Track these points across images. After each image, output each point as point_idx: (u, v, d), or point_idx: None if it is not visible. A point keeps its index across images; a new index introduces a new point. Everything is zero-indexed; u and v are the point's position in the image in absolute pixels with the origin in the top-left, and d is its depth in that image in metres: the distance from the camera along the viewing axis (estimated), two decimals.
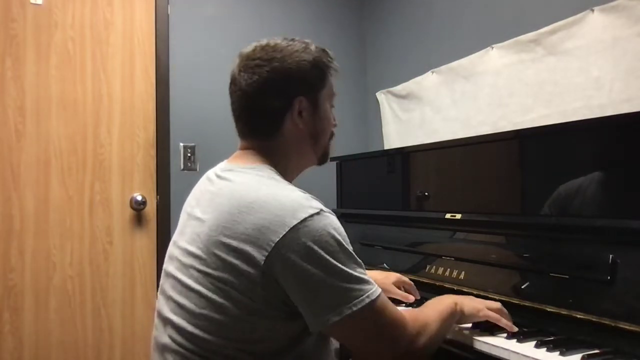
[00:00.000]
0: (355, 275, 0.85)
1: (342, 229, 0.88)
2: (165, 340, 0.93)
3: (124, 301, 2.25)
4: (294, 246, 0.82)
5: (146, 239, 2.31)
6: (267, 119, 1.00)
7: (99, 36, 2.25)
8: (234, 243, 0.85)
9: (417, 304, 1.36)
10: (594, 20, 1.61)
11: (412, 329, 0.91)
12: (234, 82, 1.07)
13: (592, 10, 1.61)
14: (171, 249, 1.01)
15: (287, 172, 1.02)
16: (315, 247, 0.83)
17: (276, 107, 0.98)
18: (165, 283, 0.99)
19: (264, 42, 1.04)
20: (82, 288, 2.18)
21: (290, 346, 0.90)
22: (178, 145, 2.38)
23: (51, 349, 2.11)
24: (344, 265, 0.84)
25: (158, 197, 2.32)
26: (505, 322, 1.07)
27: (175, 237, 1.02)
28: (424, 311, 1.00)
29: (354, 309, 0.83)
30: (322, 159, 1.11)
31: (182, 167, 2.38)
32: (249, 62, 1.03)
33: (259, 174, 0.94)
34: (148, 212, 2.31)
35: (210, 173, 1.04)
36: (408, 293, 1.36)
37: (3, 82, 2.08)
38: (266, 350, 0.88)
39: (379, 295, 0.86)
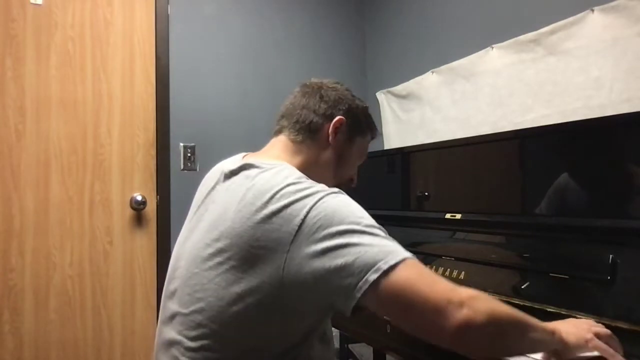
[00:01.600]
0: (383, 236, 0.83)
1: (359, 206, 0.89)
2: (173, 335, 0.92)
3: (124, 301, 2.25)
4: (316, 222, 0.81)
5: (146, 239, 2.31)
6: (309, 118, 1.06)
7: (99, 36, 2.25)
8: (258, 232, 0.84)
9: None
10: (594, 20, 1.61)
11: (467, 290, 0.78)
12: (308, 86, 1.15)
13: (592, 10, 1.61)
14: (181, 248, 1.00)
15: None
16: (338, 216, 0.82)
17: (321, 111, 1.06)
18: (174, 281, 0.98)
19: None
20: (82, 288, 2.18)
21: (297, 347, 0.89)
22: (178, 145, 2.39)
23: (51, 349, 2.11)
24: (369, 228, 0.83)
25: (158, 197, 2.32)
26: (610, 356, 0.86)
27: (185, 233, 1.02)
28: (507, 307, 0.83)
29: (391, 263, 0.77)
30: (338, 185, 1.09)
31: (182, 167, 2.38)
32: (327, 80, 1.17)
33: (277, 168, 0.95)
34: (148, 212, 2.31)
35: (226, 165, 1.03)
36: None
37: (3, 82, 2.08)
38: (276, 349, 0.88)
39: (413, 256, 0.81)
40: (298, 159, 1.03)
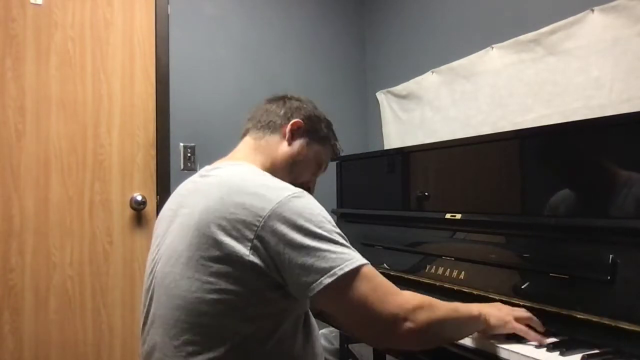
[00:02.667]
0: (343, 243, 0.89)
1: (324, 209, 0.94)
2: (155, 339, 0.95)
3: (124, 301, 2.25)
4: (281, 218, 0.87)
5: (146, 239, 2.31)
6: (273, 116, 1.15)
7: (99, 36, 2.25)
8: (224, 222, 0.89)
9: None
10: (594, 20, 1.61)
11: (410, 301, 0.89)
12: (272, 95, 1.24)
13: (592, 10, 1.61)
14: (152, 256, 1.05)
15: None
16: (303, 217, 0.88)
17: (281, 113, 1.15)
18: (153, 283, 1.01)
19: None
20: (82, 288, 2.18)
21: (274, 331, 0.92)
22: (178, 145, 2.39)
23: (51, 349, 2.11)
24: (330, 235, 0.88)
25: (158, 197, 2.32)
26: (534, 336, 0.99)
27: (156, 241, 1.06)
28: (435, 299, 0.95)
29: (346, 269, 0.85)
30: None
31: (182, 167, 2.38)
32: (283, 95, 1.23)
33: (244, 168, 1.04)
34: (148, 212, 2.31)
35: (193, 177, 1.11)
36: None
37: (3, 82, 2.08)
38: (259, 334, 0.90)
39: (369, 264, 0.89)
40: (260, 157, 1.11)
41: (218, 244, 0.88)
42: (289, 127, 1.13)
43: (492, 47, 1.99)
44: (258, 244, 0.87)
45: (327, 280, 0.84)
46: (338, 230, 0.91)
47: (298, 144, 1.14)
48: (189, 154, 2.40)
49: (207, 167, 1.10)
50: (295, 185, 1.05)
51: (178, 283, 0.92)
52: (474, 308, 1.01)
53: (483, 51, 2.03)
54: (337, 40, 2.82)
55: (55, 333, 2.12)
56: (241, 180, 0.96)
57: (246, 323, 0.90)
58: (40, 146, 2.13)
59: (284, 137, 1.13)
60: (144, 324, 1.03)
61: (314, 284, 0.84)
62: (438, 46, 2.33)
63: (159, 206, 2.32)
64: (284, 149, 1.13)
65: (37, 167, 2.13)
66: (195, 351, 0.89)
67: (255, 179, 0.97)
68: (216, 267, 0.88)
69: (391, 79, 2.63)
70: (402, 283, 1.51)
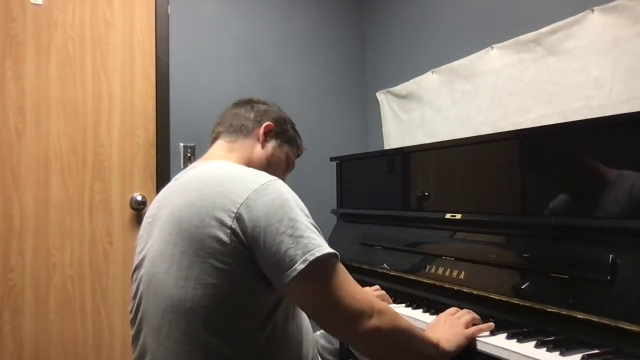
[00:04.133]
0: (313, 230, 0.91)
1: (297, 197, 0.96)
2: (146, 341, 0.96)
3: (124, 301, 2.25)
4: (258, 205, 0.89)
5: None
6: (244, 120, 1.21)
7: (99, 36, 2.25)
8: (203, 213, 0.91)
9: (417, 304, 1.36)
10: (594, 20, 1.61)
11: (378, 302, 0.92)
12: (239, 100, 1.29)
13: (592, 10, 1.61)
14: (136, 263, 1.05)
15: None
16: (277, 204, 0.90)
17: (252, 117, 1.21)
18: (139, 287, 1.01)
19: None
20: (82, 288, 2.18)
21: (265, 323, 0.93)
22: (178, 145, 2.38)
23: (51, 349, 2.11)
24: (303, 221, 0.90)
25: None
26: (486, 328, 1.09)
27: (138, 248, 1.06)
28: (402, 319, 0.98)
29: (317, 255, 0.86)
30: None
31: (182, 167, 2.38)
32: (249, 99, 1.29)
33: (221, 163, 1.08)
34: None
35: (169, 183, 1.12)
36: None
37: (3, 82, 2.08)
38: (244, 326, 0.91)
39: (336, 255, 0.91)
40: (234, 155, 1.15)
41: (200, 237, 0.90)
42: (261, 130, 1.19)
43: (492, 47, 1.99)
44: (237, 229, 0.88)
45: (300, 266, 0.85)
46: (311, 219, 0.94)
47: (271, 146, 1.20)
48: (189, 154, 2.40)
49: (182, 171, 1.12)
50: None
51: (164, 282, 0.93)
52: (430, 337, 1.02)
53: (483, 51, 2.03)
54: (337, 40, 2.82)
55: (55, 333, 2.12)
56: (218, 171, 1.00)
57: (234, 318, 0.90)
58: (40, 146, 2.13)
59: (257, 139, 1.19)
60: (133, 329, 1.03)
61: (289, 271, 0.86)
62: (438, 46, 2.33)
63: None
64: (258, 151, 1.18)
65: (37, 167, 2.13)
66: (185, 350, 0.89)
67: (232, 169, 1.01)
68: (199, 261, 0.89)
69: (391, 79, 2.63)
70: (402, 283, 1.51)
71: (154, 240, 1.00)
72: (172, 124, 2.37)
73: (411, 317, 1.27)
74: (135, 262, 1.06)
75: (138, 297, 1.02)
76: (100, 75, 2.25)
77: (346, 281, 0.90)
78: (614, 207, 1.12)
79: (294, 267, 0.85)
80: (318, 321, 0.92)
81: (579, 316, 1.01)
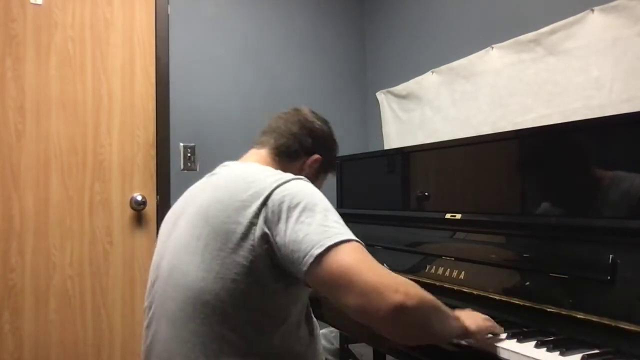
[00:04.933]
0: (335, 219, 0.91)
1: (322, 194, 0.97)
2: (160, 331, 0.97)
3: (124, 301, 2.25)
4: (280, 197, 0.91)
5: (146, 239, 2.31)
6: (296, 147, 1.18)
7: (99, 36, 2.25)
8: (230, 208, 0.93)
9: None
10: (594, 20, 1.61)
11: (401, 278, 0.85)
12: (298, 111, 1.25)
13: (592, 10, 1.61)
14: (158, 254, 1.06)
15: None
16: (299, 196, 0.91)
17: (305, 146, 1.19)
18: (159, 276, 1.02)
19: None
20: (82, 288, 2.18)
21: (279, 323, 0.93)
22: (178, 145, 2.38)
23: (51, 349, 2.11)
24: (325, 210, 0.91)
25: (158, 197, 2.32)
26: (493, 339, 1.03)
27: (161, 239, 1.08)
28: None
29: (335, 240, 0.85)
30: None
31: (182, 167, 2.38)
32: (319, 119, 1.26)
33: (254, 164, 1.09)
34: (148, 212, 2.31)
35: (202, 179, 1.13)
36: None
37: (3, 82, 2.08)
38: (258, 324, 0.92)
39: (359, 241, 0.89)
40: (272, 167, 1.12)
41: (225, 232, 0.91)
42: (309, 161, 1.19)
43: (492, 47, 1.99)
44: (261, 222, 0.90)
45: (316, 251, 0.84)
46: (334, 210, 0.94)
47: (310, 175, 1.19)
48: (189, 154, 2.40)
49: (214, 170, 1.13)
50: None
51: (185, 274, 0.94)
52: (453, 312, 0.97)
53: (483, 51, 2.03)
54: (338, 40, 2.82)
55: (55, 333, 2.12)
56: (248, 169, 1.03)
57: (250, 315, 0.91)
58: (40, 146, 2.13)
59: (301, 168, 1.18)
60: (148, 317, 1.04)
61: (306, 257, 0.85)
62: (438, 46, 2.33)
63: (159, 206, 2.32)
64: (297, 174, 1.13)
65: (37, 167, 2.13)
66: (200, 342, 0.90)
67: (262, 168, 1.03)
68: (222, 255, 0.90)
69: (391, 79, 2.63)
70: None
71: (179, 232, 1.01)
72: (172, 124, 2.37)
73: None
74: (157, 252, 1.08)
75: (155, 287, 1.03)
76: (100, 75, 2.25)
77: (364, 259, 0.85)
78: (613, 207, 1.12)
79: (310, 253, 0.85)
80: (339, 299, 0.85)
81: (579, 316, 1.01)
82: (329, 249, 0.84)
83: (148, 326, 1.03)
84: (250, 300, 0.91)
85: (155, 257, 1.08)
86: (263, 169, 1.04)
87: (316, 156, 1.19)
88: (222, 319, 0.90)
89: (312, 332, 1.04)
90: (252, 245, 0.89)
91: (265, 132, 1.21)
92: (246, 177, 0.98)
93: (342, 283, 0.83)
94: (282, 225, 0.89)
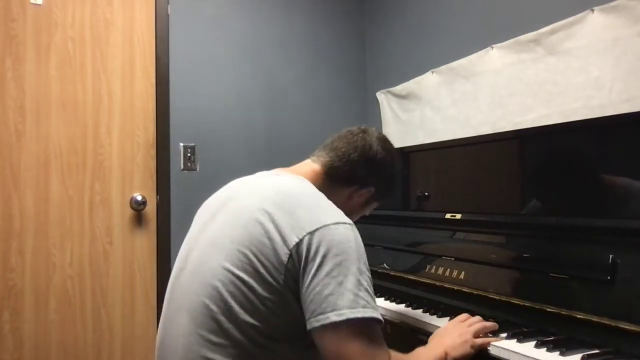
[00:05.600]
0: (367, 289, 0.88)
1: (364, 248, 0.93)
2: (180, 323, 0.95)
3: (124, 301, 2.25)
4: (323, 240, 0.88)
5: (146, 239, 2.31)
6: (349, 175, 1.13)
7: (99, 36, 2.25)
8: (271, 226, 0.91)
9: (417, 304, 1.36)
10: (594, 20, 1.61)
11: None
12: (365, 133, 1.17)
13: (592, 10, 1.61)
14: (190, 243, 1.05)
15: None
16: (340, 248, 0.88)
17: (359, 176, 1.13)
18: (183, 271, 1.01)
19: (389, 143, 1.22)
20: (82, 288, 2.18)
21: (295, 341, 0.92)
22: (178, 145, 2.38)
23: (51, 349, 2.11)
24: (361, 275, 0.88)
25: (158, 197, 2.32)
26: (493, 338, 1.06)
27: (196, 227, 1.07)
28: (421, 356, 0.99)
29: (357, 315, 0.84)
30: None
31: (182, 167, 2.38)
32: (383, 145, 1.17)
33: (304, 183, 1.05)
34: (148, 212, 2.31)
35: (248, 176, 1.12)
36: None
37: (3, 82, 2.08)
38: (275, 338, 0.91)
39: (379, 320, 0.88)
40: (320, 187, 1.07)
41: (260, 247, 0.90)
42: (361, 192, 1.15)
43: (492, 47, 1.99)
44: (295, 255, 0.88)
45: (334, 317, 0.83)
46: (369, 274, 0.91)
47: (359, 204, 1.17)
48: (189, 154, 2.40)
49: (265, 172, 1.12)
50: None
51: (215, 272, 0.93)
52: (439, 349, 1.01)
53: (483, 51, 2.03)
54: (337, 41, 2.82)
55: (55, 333, 2.12)
56: (298, 192, 0.99)
57: (268, 328, 0.90)
58: (40, 146, 2.13)
59: (350, 196, 1.14)
60: (167, 307, 1.02)
61: (321, 316, 0.84)
62: (438, 46, 2.33)
63: (159, 206, 2.32)
64: (343, 201, 1.12)
65: (37, 167, 2.13)
66: (217, 342, 0.90)
67: (313, 194, 1.00)
68: (251, 263, 0.90)
69: (391, 79, 2.63)
70: (402, 283, 1.51)
71: (215, 228, 1.00)
72: (172, 124, 2.37)
73: (411, 317, 1.27)
74: (190, 241, 1.06)
75: (182, 277, 1.01)
76: (100, 75, 2.25)
77: (375, 350, 0.87)
78: (613, 207, 1.12)
79: (327, 315, 0.84)
80: None
81: (579, 316, 1.01)
82: (347, 322, 0.84)
83: (167, 315, 1.02)
84: (272, 315, 0.90)
85: (184, 247, 1.07)
86: (314, 194, 1.00)
87: (369, 189, 1.15)
88: (240, 328, 0.90)
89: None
90: (284, 270, 0.89)
91: (325, 146, 1.17)
92: (295, 199, 0.96)
93: (337, 358, 0.86)
94: (312, 270, 0.87)
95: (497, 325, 1.09)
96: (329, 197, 1.05)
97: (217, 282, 0.92)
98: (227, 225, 0.98)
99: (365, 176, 1.14)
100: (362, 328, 0.85)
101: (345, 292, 0.85)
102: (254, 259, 0.90)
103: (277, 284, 0.89)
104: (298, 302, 0.90)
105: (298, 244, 0.88)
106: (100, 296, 2.21)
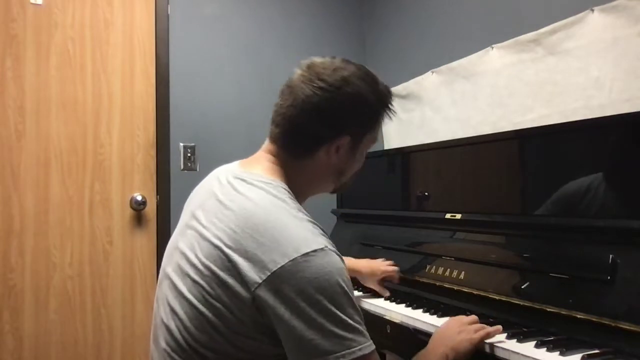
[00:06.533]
0: (351, 324, 0.79)
1: (344, 271, 0.83)
2: (161, 343, 0.92)
3: (124, 301, 2.25)
4: (291, 279, 0.77)
5: (146, 239, 2.31)
6: (306, 141, 0.94)
7: (99, 36, 2.25)
8: (232, 258, 0.81)
9: (417, 304, 1.36)
10: (594, 20, 1.61)
11: None
12: (291, 87, 0.97)
13: (592, 10, 1.61)
14: (170, 249, 0.99)
15: (301, 194, 0.97)
16: (313, 285, 0.77)
17: (320, 134, 0.93)
18: (162, 283, 0.97)
19: (337, 62, 0.97)
20: (82, 288, 2.18)
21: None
22: (178, 145, 2.38)
23: (51, 349, 2.11)
24: (341, 311, 0.79)
25: (158, 197, 2.32)
26: (494, 331, 1.03)
27: (175, 236, 1.00)
28: None
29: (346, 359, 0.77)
30: (338, 190, 1.08)
31: (182, 167, 2.38)
32: (316, 80, 0.94)
33: (272, 193, 0.88)
34: (148, 212, 2.31)
35: (222, 175, 0.97)
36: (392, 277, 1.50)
37: (3, 82, 2.08)
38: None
39: (372, 352, 0.81)
40: (294, 177, 0.95)
41: (221, 282, 0.82)
42: (332, 149, 0.94)
43: (492, 47, 1.99)
44: (258, 298, 0.79)
45: None
46: (353, 303, 0.81)
47: (343, 157, 0.96)
48: (189, 154, 2.40)
49: (235, 171, 0.96)
50: (354, 173, 1.01)
51: (181, 301, 0.88)
52: (438, 350, 0.98)
53: (483, 51, 2.03)
54: (337, 40, 2.82)
55: (55, 333, 2.12)
56: (260, 219, 0.83)
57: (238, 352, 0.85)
58: (40, 146, 2.13)
59: (328, 155, 0.94)
60: (155, 320, 0.98)
61: None
62: (438, 46, 2.33)
63: (159, 206, 2.32)
64: (325, 169, 0.97)
65: (37, 167, 2.13)
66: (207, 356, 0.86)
67: (277, 219, 0.84)
68: (216, 305, 0.83)
69: (391, 79, 2.62)
70: (402, 283, 1.51)
71: (181, 251, 0.93)
72: (172, 124, 2.37)
73: (411, 317, 1.27)
74: (168, 250, 1.00)
75: (162, 298, 0.95)
76: (100, 75, 2.25)
77: None
78: (614, 207, 1.12)
79: None
80: None
81: (579, 316, 1.01)
82: None
83: (154, 327, 0.98)
84: (255, 353, 0.85)
85: (166, 254, 1.01)
86: (277, 214, 0.84)
87: (342, 140, 0.93)
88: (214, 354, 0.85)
89: None
90: (246, 312, 0.80)
91: (275, 125, 0.97)
92: (260, 225, 0.82)
93: None
94: (285, 315, 0.78)
95: (501, 328, 1.06)
96: (305, 176, 0.95)
97: (179, 309, 0.87)
98: (190, 254, 0.89)
99: (335, 125, 0.92)
100: None
101: (328, 335, 0.77)
102: (213, 299, 0.82)
103: (238, 322, 0.82)
104: (269, 340, 0.83)
105: (261, 286, 0.78)
106: (100, 296, 2.21)
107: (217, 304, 0.82)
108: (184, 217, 1.00)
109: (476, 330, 1.03)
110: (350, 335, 0.79)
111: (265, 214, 0.84)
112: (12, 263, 2.07)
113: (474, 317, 1.09)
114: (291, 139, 0.94)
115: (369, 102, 0.96)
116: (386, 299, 1.47)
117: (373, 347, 0.82)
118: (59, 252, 2.15)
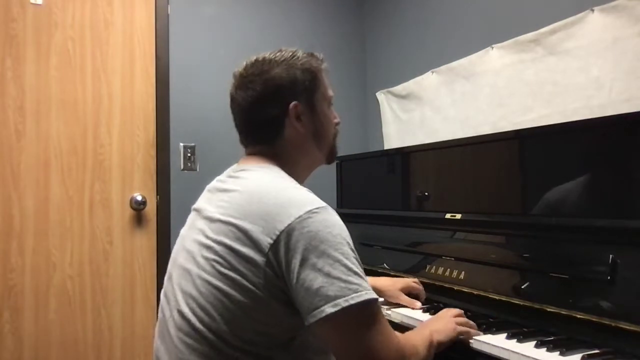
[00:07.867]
0: (356, 271, 0.85)
1: (344, 227, 0.91)
2: (172, 332, 0.93)
3: (124, 301, 2.25)
4: (298, 235, 0.84)
5: (146, 239, 2.31)
6: (268, 127, 1.05)
7: (99, 36, 2.25)
8: (242, 227, 0.87)
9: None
10: (594, 20, 1.61)
11: (403, 345, 0.89)
12: (232, 100, 1.14)
13: (592, 10, 1.61)
14: (179, 243, 1.04)
15: (296, 173, 1.04)
16: (319, 237, 0.85)
17: (273, 115, 1.04)
18: (172, 275, 1.00)
19: (253, 58, 1.14)
20: (82, 288, 2.18)
21: (288, 343, 0.91)
22: (178, 145, 2.38)
23: (51, 349, 2.11)
24: (346, 258, 0.85)
25: (158, 197, 2.32)
26: (474, 333, 1.08)
27: (184, 231, 1.05)
28: (411, 336, 0.99)
29: (351, 302, 0.82)
30: (330, 157, 1.14)
31: (182, 167, 2.38)
32: (242, 80, 1.12)
33: (269, 172, 0.99)
34: (148, 212, 2.31)
35: (220, 176, 1.08)
36: (415, 299, 1.37)
37: (3, 82, 2.08)
38: (265, 344, 0.89)
39: (376, 299, 0.86)
40: (281, 162, 1.03)
41: (234, 252, 0.87)
42: (292, 118, 1.02)
43: (492, 47, 1.99)
44: (272, 258, 0.85)
45: (329, 309, 0.81)
46: (355, 254, 0.88)
47: (304, 116, 1.04)
48: (189, 154, 2.40)
49: (234, 167, 1.08)
50: (333, 141, 1.10)
51: (195, 283, 0.92)
52: (425, 331, 1.02)
53: (483, 51, 2.03)
54: (338, 41, 2.82)
55: (55, 333, 2.12)
56: (263, 190, 0.93)
57: (246, 331, 0.88)
58: (40, 146, 2.13)
59: (292, 127, 1.03)
60: (162, 314, 1.00)
61: (316, 311, 0.82)
62: (438, 46, 2.33)
63: (159, 206, 2.32)
64: (300, 136, 1.04)
65: (37, 167, 2.13)
66: (216, 345, 0.88)
67: (279, 188, 0.93)
68: (223, 276, 0.88)
69: (391, 79, 2.63)
70: None
71: (192, 239, 0.98)
72: (172, 124, 2.37)
73: (411, 317, 1.27)
74: (176, 248, 1.05)
75: (172, 286, 0.98)
76: (100, 75, 2.25)
77: (377, 331, 0.85)
78: (614, 207, 1.12)
79: (322, 309, 0.82)
80: (337, 356, 0.89)
81: (579, 316, 1.01)
82: (343, 311, 0.81)
83: (161, 322, 1.00)
84: (249, 318, 0.88)
85: (175, 251, 1.06)
86: (277, 186, 0.94)
87: (293, 104, 1.02)
88: (228, 335, 0.89)
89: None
90: (262, 274, 0.86)
91: (240, 132, 1.13)
92: (263, 196, 0.90)
93: (350, 353, 0.85)
94: (295, 268, 0.84)
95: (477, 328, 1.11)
96: (289, 156, 1.03)
97: (195, 293, 0.90)
98: (202, 238, 0.94)
99: (276, 104, 1.03)
100: (359, 313, 0.84)
101: (335, 281, 0.82)
102: (229, 270, 0.87)
103: (254, 287, 0.86)
104: (284, 307, 0.87)
105: (272, 247, 0.85)
106: (100, 296, 2.21)
107: (232, 274, 0.87)
108: (191, 216, 1.07)
109: (461, 324, 1.08)
110: (356, 280, 0.84)
111: (268, 187, 0.94)
112: (12, 263, 2.07)
113: (459, 311, 1.14)
114: (256, 133, 1.07)
115: (293, 66, 1.10)
116: None
117: (376, 296, 0.86)
118: (59, 252, 2.15)
